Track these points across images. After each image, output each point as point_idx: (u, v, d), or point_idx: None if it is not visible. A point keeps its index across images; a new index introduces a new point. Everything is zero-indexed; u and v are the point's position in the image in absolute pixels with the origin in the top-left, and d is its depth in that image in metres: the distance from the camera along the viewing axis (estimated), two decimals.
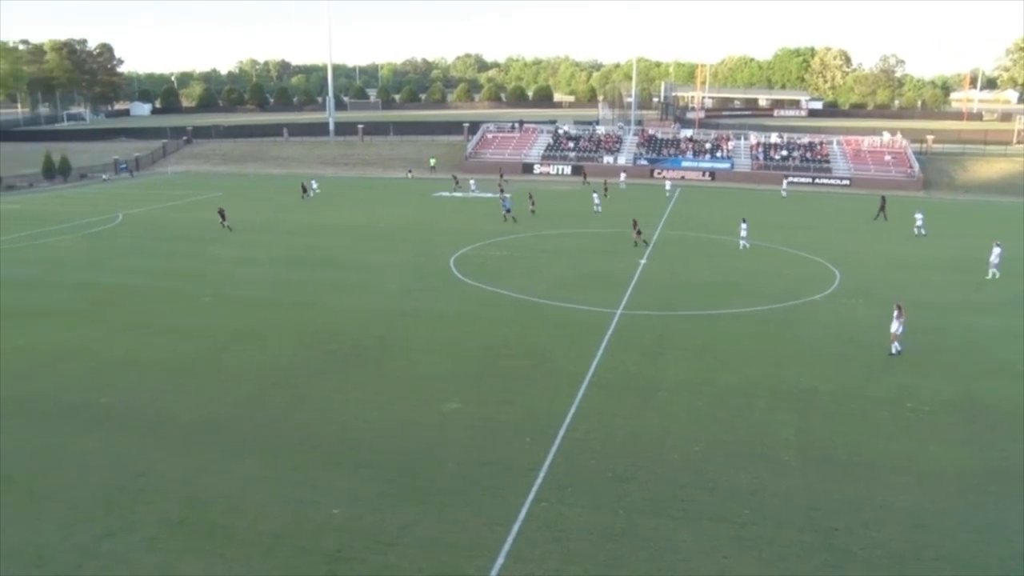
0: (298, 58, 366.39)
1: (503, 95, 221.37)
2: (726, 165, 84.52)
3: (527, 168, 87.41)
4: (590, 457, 19.31)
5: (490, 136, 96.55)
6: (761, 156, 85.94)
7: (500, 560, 15.13)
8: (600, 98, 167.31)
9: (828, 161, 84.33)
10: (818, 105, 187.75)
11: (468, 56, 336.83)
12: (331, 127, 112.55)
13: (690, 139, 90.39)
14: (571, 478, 18.25)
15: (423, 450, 19.82)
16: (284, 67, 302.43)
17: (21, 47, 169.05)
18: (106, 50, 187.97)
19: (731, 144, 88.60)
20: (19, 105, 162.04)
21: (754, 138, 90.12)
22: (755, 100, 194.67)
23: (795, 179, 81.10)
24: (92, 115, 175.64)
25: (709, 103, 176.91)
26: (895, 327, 26.58)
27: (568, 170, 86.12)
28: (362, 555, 15.37)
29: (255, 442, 20.41)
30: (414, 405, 22.63)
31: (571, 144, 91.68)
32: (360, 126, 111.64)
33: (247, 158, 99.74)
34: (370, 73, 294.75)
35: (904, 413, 22.10)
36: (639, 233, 45.49)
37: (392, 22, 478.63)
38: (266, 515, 16.78)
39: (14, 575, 14.93)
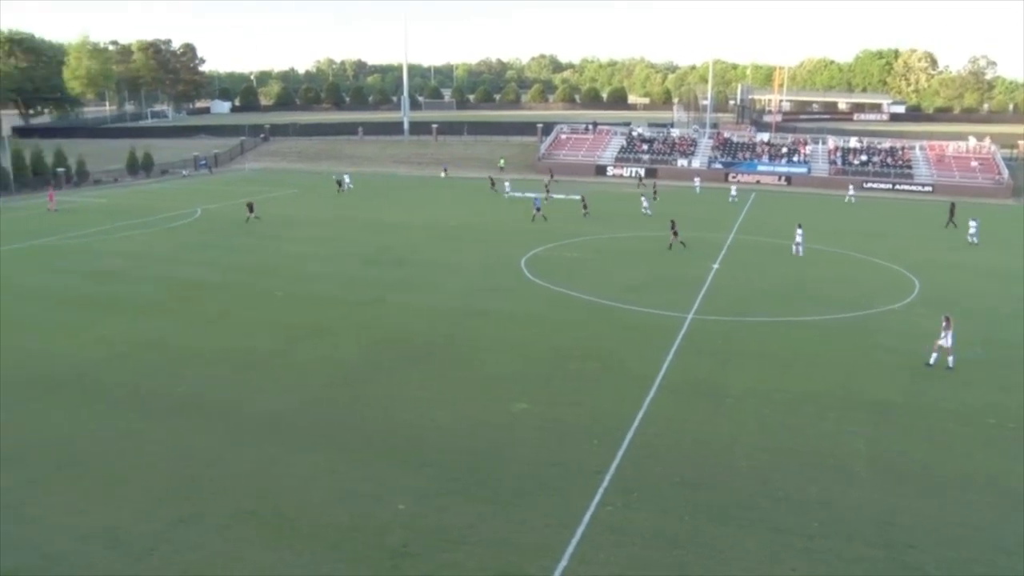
0: (374, 58, 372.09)
1: (577, 96, 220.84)
2: (803, 170, 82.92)
3: (600, 170, 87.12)
4: (657, 462, 19.21)
5: (563, 137, 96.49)
6: (839, 161, 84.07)
7: (564, 562, 15.16)
8: (675, 100, 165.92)
9: (910, 167, 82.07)
10: (900, 109, 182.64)
11: (543, 57, 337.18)
12: (405, 126, 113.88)
13: (766, 143, 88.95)
14: (637, 482, 18.19)
15: (490, 450, 19.97)
16: (360, 67, 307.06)
17: (111, 48, 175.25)
18: (189, 50, 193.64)
19: (808, 148, 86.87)
20: (107, 103, 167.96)
21: (832, 142, 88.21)
22: (834, 103, 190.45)
23: (874, 185, 79.21)
24: (174, 113, 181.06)
25: (786, 106, 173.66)
26: (943, 339, 25.77)
27: (642, 172, 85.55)
28: (426, 552, 15.57)
29: (324, 437, 20.84)
30: (482, 405, 22.82)
31: (645, 147, 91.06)
32: (434, 126, 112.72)
33: (322, 156, 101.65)
34: (445, 73, 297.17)
35: (986, 429, 21.42)
36: (676, 234, 45.10)
37: (468, 23, 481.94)
38: (333, 509, 17.12)
39: (92, 555, 15.54)
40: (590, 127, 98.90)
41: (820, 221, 57.13)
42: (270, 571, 14.94)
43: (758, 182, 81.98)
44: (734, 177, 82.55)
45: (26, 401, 23.40)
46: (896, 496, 17.66)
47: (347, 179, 76.08)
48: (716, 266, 40.82)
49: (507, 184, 70.23)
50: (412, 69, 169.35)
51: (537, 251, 44.11)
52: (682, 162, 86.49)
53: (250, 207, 56.23)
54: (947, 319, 26.15)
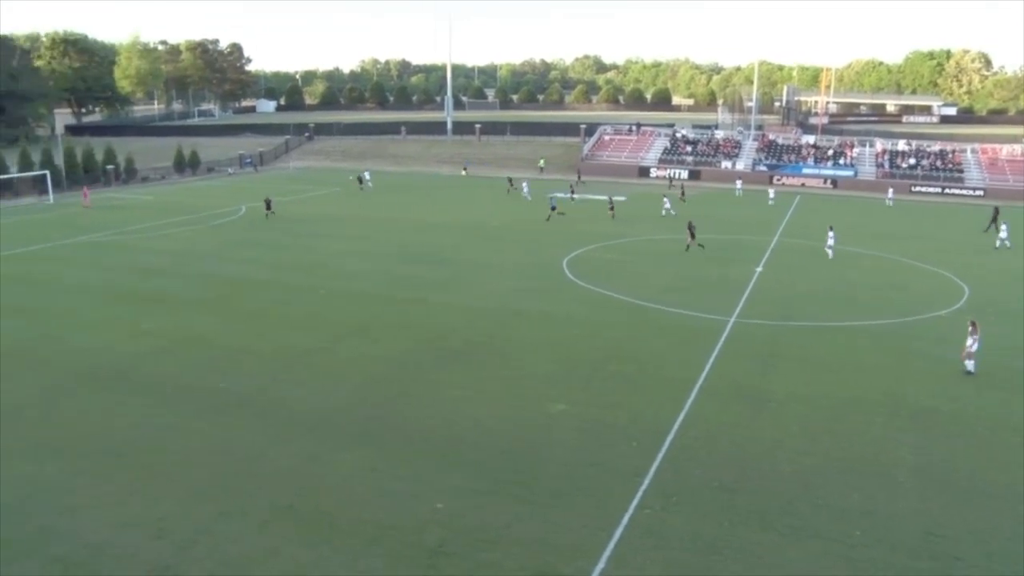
0: (418, 58, 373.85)
1: (621, 97, 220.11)
2: (849, 173, 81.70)
3: (643, 171, 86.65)
4: (696, 466, 19.03)
5: (607, 138, 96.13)
6: (887, 164, 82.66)
7: (601, 564, 15.08)
8: (719, 102, 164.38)
9: (960, 170, 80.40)
10: (952, 111, 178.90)
11: (587, 58, 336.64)
12: (449, 126, 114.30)
13: (812, 145, 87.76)
14: (676, 486, 18.03)
15: (528, 450, 19.94)
16: (404, 66, 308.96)
17: (160, 48, 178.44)
18: (236, 50, 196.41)
19: (855, 151, 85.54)
20: (156, 102, 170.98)
21: (880, 145, 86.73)
22: (882, 105, 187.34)
23: (923, 188, 77.74)
24: (221, 111, 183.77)
25: (833, 108, 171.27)
26: (970, 344, 25.31)
27: (685, 174, 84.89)
28: (464, 551, 15.58)
29: (363, 434, 20.96)
30: (521, 404, 22.79)
31: (689, 148, 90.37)
32: (477, 126, 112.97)
33: (366, 155, 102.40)
34: (489, 73, 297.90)
35: None
36: (693, 236, 44.74)
37: (512, 23, 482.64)
38: (371, 506, 17.21)
39: (135, 545, 15.79)
40: (633, 128, 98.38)
41: (866, 225, 56.25)
42: (308, 567, 15.06)
43: (803, 185, 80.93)
44: (778, 180, 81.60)
45: (73, 393, 23.89)
46: (942, 506, 17.28)
47: (367, 176, 78.55)
48: (759, 269, 40.34)
49: (525, 185, 69.61)
50: (456, 69, 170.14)
51: (579, 252, 43.98)
52: (726, 164, 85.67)
53: (268, 204, 57.99)
54: (973, 323, 25.80)
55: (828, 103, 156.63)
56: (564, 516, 16.75)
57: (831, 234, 44.35)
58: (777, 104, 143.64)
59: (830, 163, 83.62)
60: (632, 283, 36.92)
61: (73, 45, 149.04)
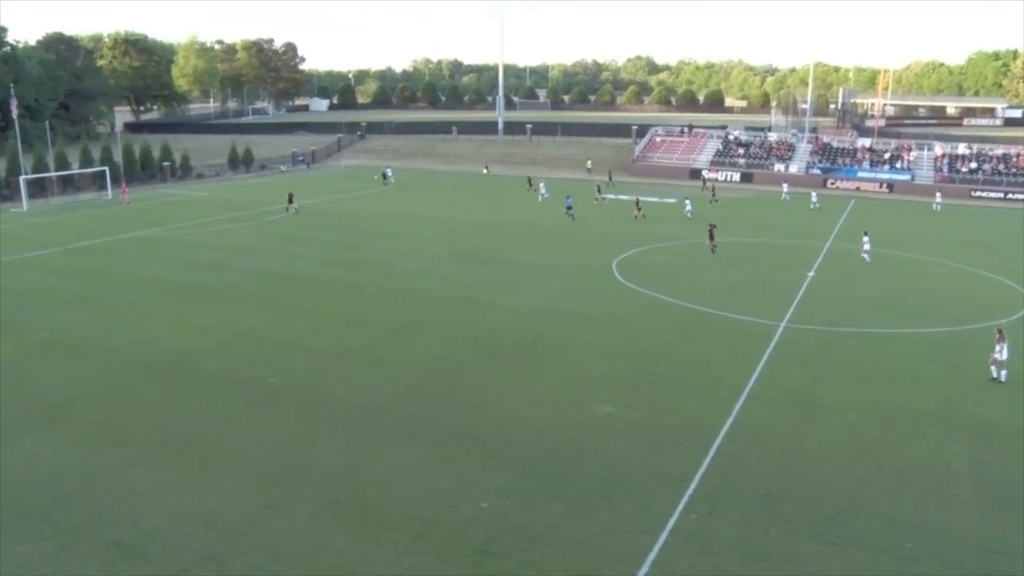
0: (470, 58, 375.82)
1: (673, 99, 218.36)
2: (906, 177, 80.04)
3: (695, 174, 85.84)
4: (744, 472, 18.83)
5: (658, 140, 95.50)
6: (946, 168, 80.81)
7: (644, 568, 15.01)
8: (773, 104, 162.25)
9: None
10: (1017, 113, 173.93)
11: (639, 59, 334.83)
12: (500, 126, 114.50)
13: (868, 148, 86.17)
14: (723, 492, 17.87)
15: (574, 451, 19.92)
16: (456, 66, 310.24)
17: (216, 47, 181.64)
18: (290, 49, 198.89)
19: (913, 155, 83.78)
20: (211, 100, 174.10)
21: (939, 148, 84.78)
22: (942, 108, 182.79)
23: (983, 193, 75.84)
24: (274, 110, 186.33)
25: (891, 111, 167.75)
26: (999, 352, 24.85)
27: (737, 177, 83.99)
28: (507, 550, 15.62)
29: (411, 431, 21.13)
30: (568, 405, 22.78)
31: (741, 151, 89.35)
32: (528, 126, 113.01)
33: (417, 154, 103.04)
34: (540, 74, 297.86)
35: None
36: (712, 238, 44.60)
37: (564, 23, 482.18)
38: (417, 503, 17.35)
39: (186, 533, 16.14)
40: (685, 130, 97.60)
41: (924, 231, 55.09)
42: (354, 561, 15.24)
43: (858, 189, 79.51)
44: (832, 183, 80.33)
45: (129, 384, 24.48)
46: (999, 522, 16.84)
47: (389, 172, 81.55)
48: (812, 274, 39.75)
49: (542, 185, 68.76)
50: (508, 69, 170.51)
51: (629, 254, 43.79)
52: (779, 167, 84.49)
53: (290, 198, 59.24)
54: (1000, 331, 25.40)
55: (885, 105, 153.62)
56: (609, 519, 16.71)
57: (866, 239, 43.73)
58: (832, 106, 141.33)
59: (886, 167, 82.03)
60: (682, 286, 36.64)
61: (133, 45, 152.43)
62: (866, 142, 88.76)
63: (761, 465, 19.19)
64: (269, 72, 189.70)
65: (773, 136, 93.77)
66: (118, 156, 77.82)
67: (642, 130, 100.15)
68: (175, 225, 53.64)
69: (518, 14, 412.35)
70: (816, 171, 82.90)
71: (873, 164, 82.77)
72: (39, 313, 32.32)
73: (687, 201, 60.20)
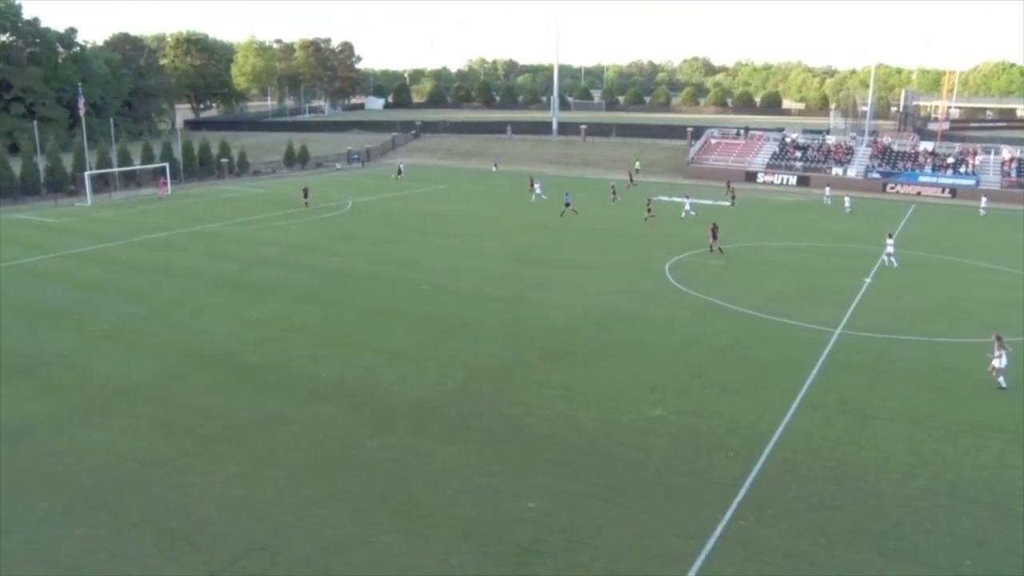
0: (526, 58, 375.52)
1: (729, 100, 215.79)
2: (970, 182, 77.89)
3: (750, 176, 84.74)
4: (795, 479, 18.51)
5: (713, 142, 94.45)
6: (1014, 172, 78.52)
7: (691, 573, 14.86)
8: (832, 106, 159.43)
9: None
10: None
11: (695, 60, 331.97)
12: (554, 126, 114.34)
13: (930, 152, 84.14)
14: (773, 499, 17.59)
15: (623, 453, 19.79)
16: (511, 66, 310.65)
17: (275, 46, 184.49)
18: (347, 48, 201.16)
19: (978, 159, 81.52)
20: (269, 98, 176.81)
21: (1007, 152, 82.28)
22: (1012, 111, 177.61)
23: None
24: (331, 108, 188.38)
25: (955, 113, 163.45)
26: (997, 360, 24.48)
27: (793, 180, 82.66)
28: (554, 551, 15.58)
29: (460, 429, 21.19)
30: (618, 408, 22.64)
31: (798, 153, 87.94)
32: (583, 126, 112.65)
33: (471, 154, 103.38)
34: (595, 74, 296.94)
35: None
36: (715, 239, 44.47)
37: (620, 24, 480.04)
38: (465, 501, 17.38)
39: (236, 524, 16.41)
40: (741, 132, 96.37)
41: (986, 237, 53.55)
42: (400, 557, 15.32)
43: (919, 193, 77.62)
44: (892, 188, 78.63)
45: (184, 376, 24.96)
46: None
47: (402, 167, 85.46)
48: (869, 280, 38.92)
49: (537, 186, 67.34)
50: (563, 70, 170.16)
51: (682, 257, 43.38)
52: (837, 170, 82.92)
53: (305, 192, 62.44)
54: (998, 338, 24.91)
55: (950, 108, 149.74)
56: (656, 522, 16.56)
57: (889, 242, 42.83)
58: (894, 109, 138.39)
59: (949, 171, 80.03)
60: (736, 290, 36.16)
61: (195, 44, 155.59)
62: (928, 145, 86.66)
63: (813, 473, 18.85)
64: (326, 71, 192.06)
65: (831, 139, 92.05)
66: (178, 153, 79.48)
67: (697, 132, 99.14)
68: (232, 221, 54.60)
69: (573, 15, 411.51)
70: (875, 175, 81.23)
71: (935, 168, 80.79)
72: (100, 305, 33.15)
73: (686, 200, 59.70)
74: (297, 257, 42.71)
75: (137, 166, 74.54)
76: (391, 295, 34.99)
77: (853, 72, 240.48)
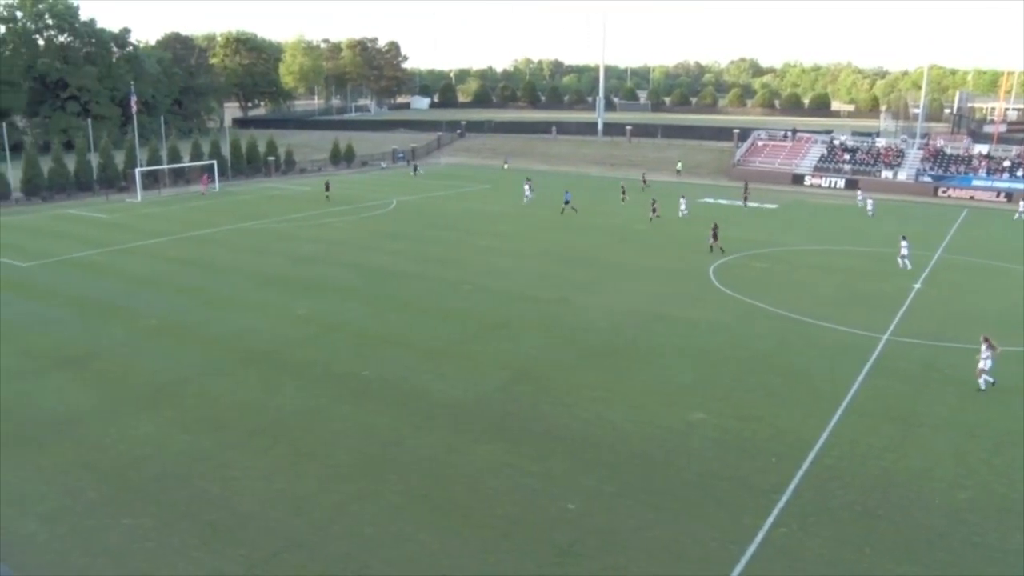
0: (571, 58, 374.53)
1: (777, 102, 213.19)
2: None
3: (797, 179, 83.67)
4: (839, 487, 18.21)
5: (760, 144, 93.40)
6: None
7: None
8: (882, 108, 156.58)
9: None
10: None
11: (743, 60, 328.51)
12: (599, 127, 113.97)
13: (985, 155, 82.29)
14: (816, 507, 17.32)
15: (663, 456, 19.65)
16: (557, 66, 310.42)
17: (322, 45, 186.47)
18: (393, 48, 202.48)
19: None
20: (316, 97, 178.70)
21: None
22: None
23: None
24: (376, 107, 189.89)
25: (1013, 115, 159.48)
26: (983, 361, 24.32)
27: (841, 183, 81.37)
28: (592, 552, 15.52)
29: (500, 429, 21.20)
30: (659, 410, 22.48)
31: (847, 156, 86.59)
32: (628, 127, 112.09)
33: (516, 154, 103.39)
34: (641, 75, 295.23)
35: None
36: (716, 238, 44.42)
37: (667, 25, 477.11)
38: (503, 500, 17.39)
39: (278, 518, 16.60)
40: (789, 134, 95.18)
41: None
42: (438, 555, 15.38)
43: (972, 198, 75.91)
44: (944, 192, 77.05)
45: (230, 371, 25.32)
46: None
47: (419, 167, 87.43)
48: (918, 286, 38.16)
49: (527, 187, 66.03)
50: (608, 70, 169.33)
51: (726, 259, 42.93)
52: (886, 174, 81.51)
53: (327, 186, 66.27)
54: (986, 339, 24.64)
55: (1007, 110, 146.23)
56: (695, 527, 16.41)
57: (904, 244, 41.99)
58: (947, 111, 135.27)
59: (1005, 175, 78.19)
60: (781, 294, 35.70)
61: (244, 44, 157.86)
62: (983, 148, 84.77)
63: (857, 481, 18.52)
64: (372, 70, 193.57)
65: (881, 142, 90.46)
66: (226, 150, 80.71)
67: (744, 133, 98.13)
68: (278, 218, 55.28)
69: (620, 15, 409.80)
70: (926, 179, 79.67)
71: (990, 172, 79.02)
72: (148, 299, 33.78)
73: (681, 200, 59.24)
74: (341, 255, 43.09)
75: (186, 163, 75.85)
76: (434, 294, 35.14)
77: (905, 73, 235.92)
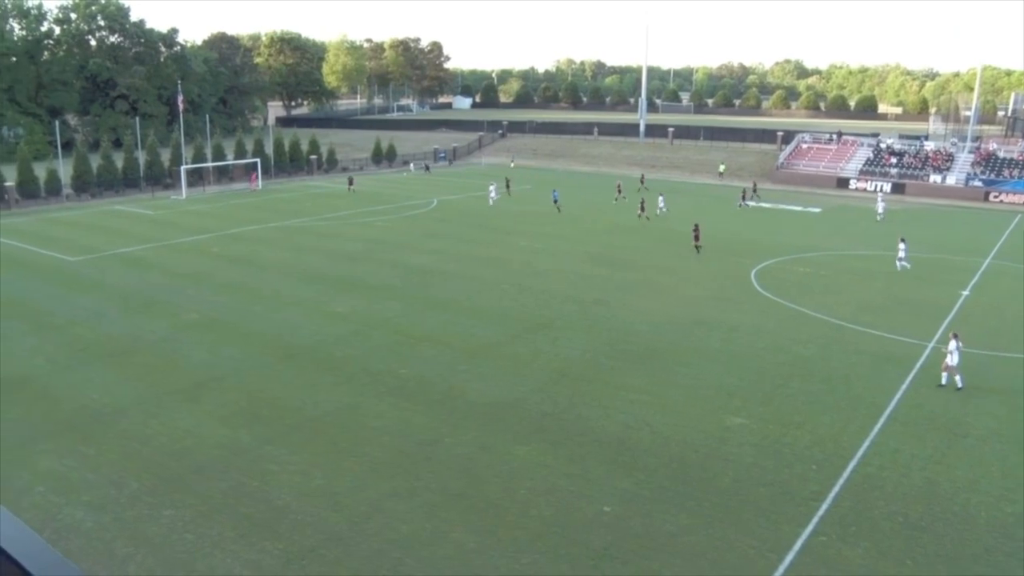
0: (613, 59, 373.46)
1: (822, 104, 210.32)
2: None
3: (842, 183, 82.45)
4: (880, 497, 17.87)
5: (804, 147, 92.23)
6: None
7: None
8: (932, 110, 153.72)
9: None
10: None
11: (787, 62, 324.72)
12: (641, 128, 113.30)
13: None
14: (857, 516, 17.01)
15: (701, 461, 19.45)
16: (599, 67, 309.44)
17: (365, 45, 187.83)
18: (436, 48, 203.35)
19: None
20: (358, 96, 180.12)
21: None
22: None
23: None
24: (418, 107, 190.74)
25: None
26: (949, 358, 24.32)
27: (888, 187, 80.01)
28: (628, 556, 15.40)
29: (537, 430, 21.14)
30: (698, 415, 22.26)
31: (893, 160, 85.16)
32: (670, 129, 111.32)
33: (557, 154, 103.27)
34: (684, 76, 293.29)
35: None
36: (697, 238, 44.77)
37: (710, 25, 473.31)
38: (539, 502, 17.33)
39: (314, 513, 16.71)
40: (834, 137, 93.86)
41: None
42: (473, 554, 15.36)
43: None
44: (996, 197, 75.41)
45: (267, 366, 25.58)
46: None
47: (412, 167, 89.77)
48: (966, 293, 37.36)
49: (492, 189, 64.38)
50: (651, 71, 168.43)
51: (769, 263, 42.44)
52: (935, 178, 79.94)
53: (350, 181, 70.66)
54: (955, 335, 24.60)
55: None
56: (733, 533, 16.21)
57: (902, 246, 41.38)
58: (1001, 113, 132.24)
59: None
60: (825, 299, 35.19)
61: (288, 44, 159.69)
62: None
63: (900, 491, 18.16)
64: (415, 70, 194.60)
65: (930, 145, 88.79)
66: (269, 148, 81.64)
67: (788, 136, 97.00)
68: (319, 216, 55.76)
69: (664, 15, 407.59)
70: (977, 183, 78.00)
71: None
72: (191, 294, 34.27)
73: (660, 198, 59.36)
74: (381, 253, 43.34)
75: (230, 161, 76.85)
76: (473, 293, 35.18)
77: (956, 75, 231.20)
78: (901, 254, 41.45)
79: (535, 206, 62.50)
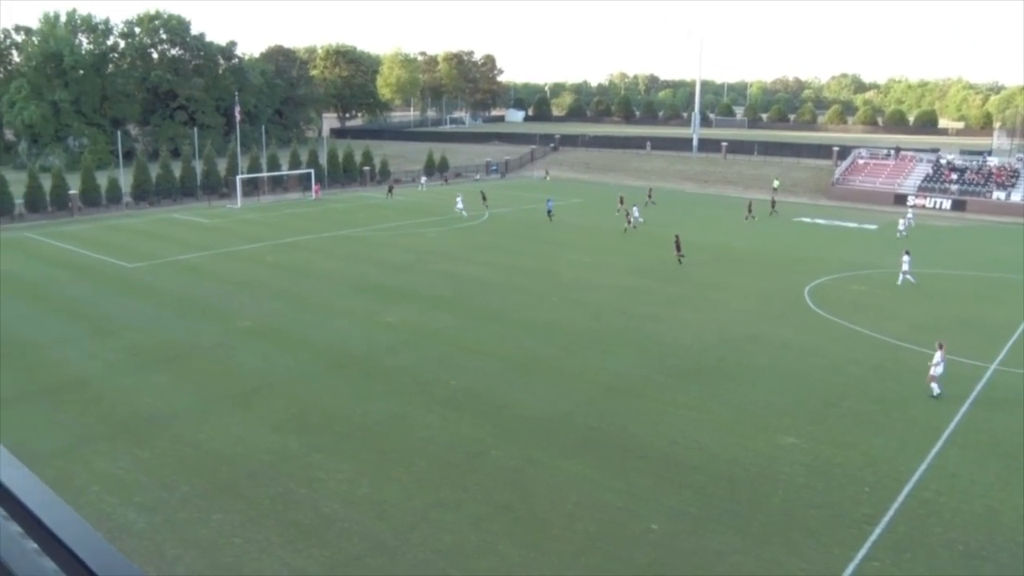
0: (667, 73, 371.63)
1: (880, 119, 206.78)
2: None
3: (899, 199, 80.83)
4: (937, 523, 17.35)
5: (861, 162, 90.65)
6: None
7: None
8: (996, 125, 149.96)
9: None
10: None
11: (844, 76, 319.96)
12: (695, 143, 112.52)
13: None
14: (912, 542, 16.53)
15: (751, 480, 19.11)
16: (652, 81, 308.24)
17: (419, 58, 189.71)
18: (489, 61, 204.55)
19: None
20: (412, 108, 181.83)
21: None
22: None
23: None
24: (471, 119, 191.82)
25: None
26: (935, 367, 24.29)
27: (948, 204, 78.21)
28: (673, 574, 15.16)
29: (585, 444, 20.99)
30: (748, 433, 21.91)
31: (954, 176, 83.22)
32: (723, 143, 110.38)
33: (608, 168, 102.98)
34: (738, 90, 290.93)
35: None
36: (679, 249, 44.52)
37: (765, 39, 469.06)
38: (585, 516, 17.17)
39: (361, 522, 16.77)
40: (892, 152, 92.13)
41: None
42: (517, 567, 15.28)
43: None
44: None
45: (318, 375, 25.83)
46: None
47: (424, 180, 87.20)
48: None
49: (459, 198, 63.44)
50: (705, 85, 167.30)
51: (823, 280, 41.73)
52: (998, 195, 77.89)
53: (390, 188, 74.56)
54: (940, 345, 24.56)
55: None
56: (782, 554, 15.88)
57: (906, 259, 40.55)
58: None
59: None
60: (880, 318, 34.43)
61: (343, 56, 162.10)
62: None
63: (958, 518, 17.62)
64: (468, 83, 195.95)
65: (993, 160, 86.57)
66: (323, 159, 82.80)
67: (844, 151, 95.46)
68: (372, 226, 56.31)
69: (718, 29, 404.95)
70: None
71: None
72: (244, 302, 34.81)
73: (634, 208, 59.17)
74: (433, 264, 43.59)
75: (284, 171, 78.09)
76: (523, 306, 35.16)
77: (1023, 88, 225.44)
78: (905, 267, 40.61)
79: (585, 219, 62.36)
